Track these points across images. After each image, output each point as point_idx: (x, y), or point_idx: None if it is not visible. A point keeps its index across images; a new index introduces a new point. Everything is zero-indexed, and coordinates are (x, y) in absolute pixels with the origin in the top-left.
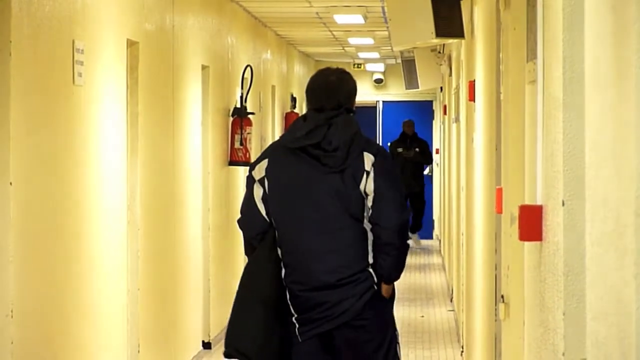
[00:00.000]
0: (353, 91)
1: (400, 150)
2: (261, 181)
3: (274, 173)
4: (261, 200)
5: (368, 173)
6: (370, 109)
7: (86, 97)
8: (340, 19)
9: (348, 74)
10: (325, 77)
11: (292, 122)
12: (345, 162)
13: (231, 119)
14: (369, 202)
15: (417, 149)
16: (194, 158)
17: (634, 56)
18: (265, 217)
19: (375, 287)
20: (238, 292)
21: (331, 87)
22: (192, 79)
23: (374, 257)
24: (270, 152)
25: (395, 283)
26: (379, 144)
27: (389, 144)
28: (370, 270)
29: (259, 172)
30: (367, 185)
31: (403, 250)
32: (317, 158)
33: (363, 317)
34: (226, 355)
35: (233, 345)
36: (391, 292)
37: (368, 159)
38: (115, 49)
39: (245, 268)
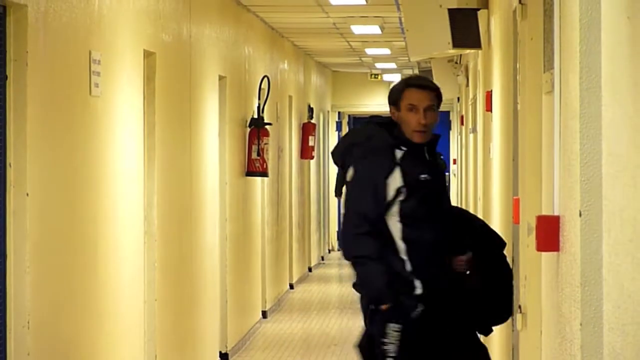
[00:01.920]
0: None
1: None
2: None
3: None
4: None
5: None
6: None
7: (103, 108)
8: (357, 29)
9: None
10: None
11: None
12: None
13: (248, 129)
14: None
15: None
16: (211, 168)
17: None
18: None
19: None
20: None
21: None
22: (209, 89)
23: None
24: None
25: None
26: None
27: None
28: None
29: None
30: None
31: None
32: None
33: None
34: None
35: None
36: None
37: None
38: (132, 60)
39: None
